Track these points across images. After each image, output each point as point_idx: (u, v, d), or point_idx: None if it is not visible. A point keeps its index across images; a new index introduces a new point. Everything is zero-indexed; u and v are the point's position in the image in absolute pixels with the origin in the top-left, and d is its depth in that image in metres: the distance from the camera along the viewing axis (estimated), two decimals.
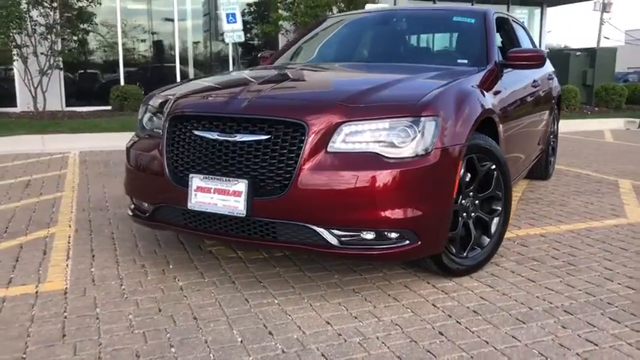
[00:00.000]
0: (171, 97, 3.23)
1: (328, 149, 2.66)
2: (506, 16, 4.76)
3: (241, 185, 2.71)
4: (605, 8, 44.27)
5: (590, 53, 14.73)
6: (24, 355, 2.31)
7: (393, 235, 2.68)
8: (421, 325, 2.59)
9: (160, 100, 3.30)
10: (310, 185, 2.63)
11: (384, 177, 2.61)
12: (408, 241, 2.69)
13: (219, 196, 2.77)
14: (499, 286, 3.05)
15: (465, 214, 3.10)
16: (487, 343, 2.44)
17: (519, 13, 17.71)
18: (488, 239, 3.25)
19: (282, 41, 13.79)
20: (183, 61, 14.19)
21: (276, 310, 2.74)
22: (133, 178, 3.28)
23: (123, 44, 13.27)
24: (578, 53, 14.71)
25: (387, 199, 2.63)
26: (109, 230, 4.07)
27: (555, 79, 5.81)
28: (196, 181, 2.83)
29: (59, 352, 2.34)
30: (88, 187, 5.52)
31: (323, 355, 2.32)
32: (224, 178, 2.76)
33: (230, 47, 9.56)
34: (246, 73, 3.89)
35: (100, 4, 10.94)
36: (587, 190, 5.52)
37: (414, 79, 3.23)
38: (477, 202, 3.17)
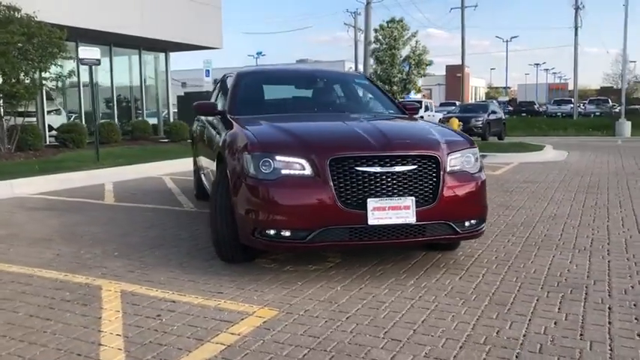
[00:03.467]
0: (298, 145, 4.00)
1: (447, 171, 4.11)
2: None
3: (409, 201, 3.89)
4: None
5: None
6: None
7: (475, 221, 4.31)
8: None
9: (279, 147, 4.01)
10: (447, 195, 4.04)
11: (475, 185, 4.25)
12: (484, 225, 4.38)
13: (393, 211, 3.86)
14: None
15: None
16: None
17: (149, 58, 19.25)
18: None
19: None
20: None
21: (429, 284, 4.02)
22: (288, 211, 3.86)
23: None
24: None
25: (478, 199, 4.28)
26: (165, 276, 4.18)
27: None
28: (372, 203, 3.82)
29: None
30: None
31: (485, 295, 3.85)
32: (395, 197, 3.87)
33: None
34: (328, 122, 4.94)
35: None
36: None
37: (437, 126, 4.90)
38: None
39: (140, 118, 18.31)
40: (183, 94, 19.80)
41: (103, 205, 7.44)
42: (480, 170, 4.40)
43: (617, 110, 40.50)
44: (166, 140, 16.76)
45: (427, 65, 16.61)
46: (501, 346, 2.98)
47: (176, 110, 19.99)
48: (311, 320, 3.35)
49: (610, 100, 50.30)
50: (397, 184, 3.93)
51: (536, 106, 55.59)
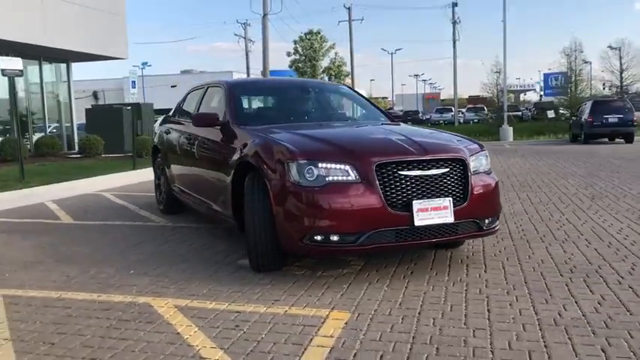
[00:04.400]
0: (340, 152, 4.14)
1: (472, 172, 4.43)
2: None
3: (447, 201, 4.15)
4: None
5: (137, 107, 16.80)
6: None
7: (491, 219, 4.65)
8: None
9: (322, 154, 4.12)
10: (475, 194, 4.35)
11: (493, 185, 4.61)
12: (498, 222, 4.75)
13: (434, 212, 4.10)
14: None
15: None
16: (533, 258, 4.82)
17: (49, 69, 18.08)
18: None
19: None
20: None
21: (464, 279, 4.30)
22: (340, 216, 3.95)
23: None
24: (128, 107, 16.59)
25: (496, 197, 4.64)
26: (211, 289, 4.11)
27: None
28: (417, 205, 4.04)
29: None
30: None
31: (520, 284, 4.22)
32: (435, 199, 4.11)
33: None
34: (363, 129, 5.28)
35: None
36: None
37: (448, 133, 5.19)
38: None
39: (44, 133, 17.17)
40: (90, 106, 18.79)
41: (65, 224, 6.99)
42: (491, 171, 4.77)
43: (488, 117, 44.07)
44: (79, 155, 15.85)
45: (345, 76, 17.17)
46: (573, 326, 3.31)
47: (81, 123, 18.93)
48: (389, 319, 3.49)
49: (485, 108, 54.34)
50: (436, 186, 4.18)
51: (420, 115, 58.70)
